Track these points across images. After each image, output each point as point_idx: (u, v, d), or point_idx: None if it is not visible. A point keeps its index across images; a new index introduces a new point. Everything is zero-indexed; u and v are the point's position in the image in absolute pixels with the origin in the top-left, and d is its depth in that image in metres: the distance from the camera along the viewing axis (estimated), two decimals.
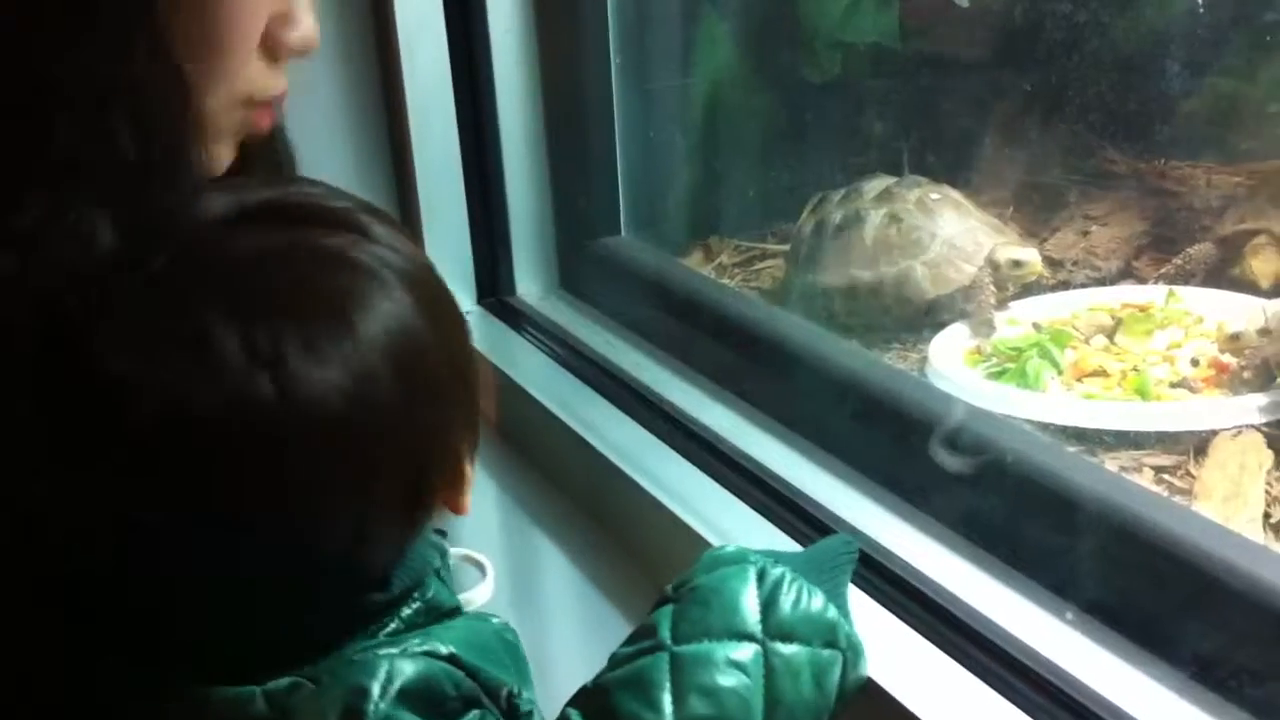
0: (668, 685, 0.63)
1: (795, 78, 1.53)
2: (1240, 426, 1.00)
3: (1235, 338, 1.10)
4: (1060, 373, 1.14)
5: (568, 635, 1.00)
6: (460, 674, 0.57)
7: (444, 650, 0.57)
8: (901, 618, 0.81)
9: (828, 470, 1.01)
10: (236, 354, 0.53)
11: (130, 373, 0.53)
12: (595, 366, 1.26)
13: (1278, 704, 0.70)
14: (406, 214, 1.38)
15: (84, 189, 0.60)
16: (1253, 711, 0.70)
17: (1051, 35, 1.28)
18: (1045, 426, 1.05)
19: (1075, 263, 1.32)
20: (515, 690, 0.59)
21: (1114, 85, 1.27)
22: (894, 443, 0.99)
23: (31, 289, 0.58)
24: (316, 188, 0.64)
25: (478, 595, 0.97)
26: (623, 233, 1.47)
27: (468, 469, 0.64)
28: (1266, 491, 0.93)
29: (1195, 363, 1.11)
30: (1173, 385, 1.09)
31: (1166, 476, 0.99)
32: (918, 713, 0.72)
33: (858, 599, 0.80)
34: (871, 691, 0.71)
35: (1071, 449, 1.02)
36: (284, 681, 0.56)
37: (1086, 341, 1.19)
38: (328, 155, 1.34)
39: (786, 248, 1.48)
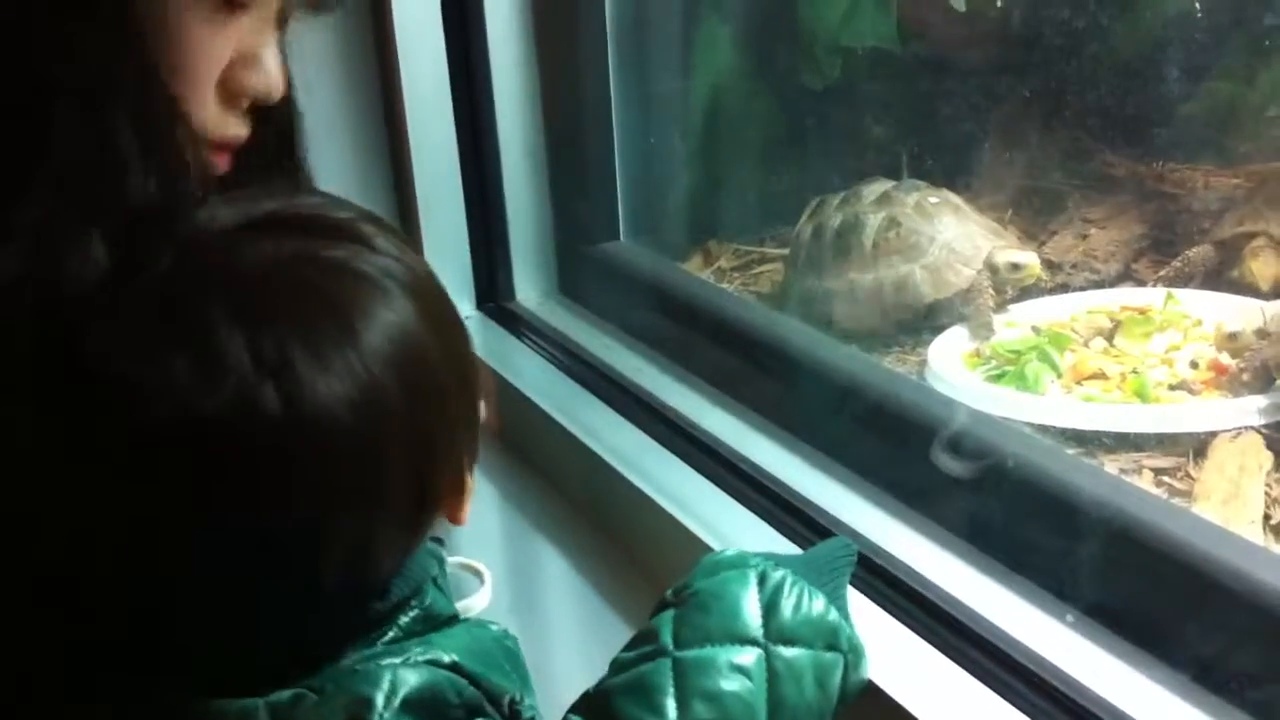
0: (671, 690, 0.63)
1: (794, 82, 1.53)
2: (1239, 428, 1.00)
3: (1233, 338, 1.10)
4: (1059, 375, 1.14)
5: (568, 638, 1.00)
6: (463, 682, 0.57)
7: (446, 659, 0.57)
8: (902, 620, 0.81)
9: (827, 474, 1.01)
10: (241, 360, 0.53)
11: (133, 375, 0.53)
12: (595, 371, 1.26)
13: (1279, 706, 0.70)
14: (405, 220, 1.38)
15: (84, 190, 0.61)
16: (1254, 714, 0.70)
17: (1050, 39, 1.28)
18: (1044, 429, 1.05)
19: (1074, 266, 1.32)
20: (518, 697, 0.59)
21: (1112, 88, 1.27)
22: (893, 446, 1.00)
23: (32, 290, 0.58)
24: (320, 198, 0.64)
25: (476, 602, 0.97)
26: (622, 237, 1.47)
27: (469, 479, 0.64)
28: (1266, 493, 0.93)
29: (1194, 365, 1.11)
30: (1172, 387, 1.10)
31: (1166, 478, 0.99)
32: (919, 716, 0.72)
33: (857, 602, 0.80)
34: (872, 694, 0.72)
35: (1071, 451, 1.02)
36: (287, 694, 0.55)
37: (1085, 344, 1.19)
38: (327, 162, 1.33)
39: (785, 252, 1.48)
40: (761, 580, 0.67)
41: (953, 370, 1.18)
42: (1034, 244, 1.37)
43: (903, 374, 1.22)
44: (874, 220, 1.34)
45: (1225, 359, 1.10)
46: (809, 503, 0.96)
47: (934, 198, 1.35)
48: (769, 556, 0.71)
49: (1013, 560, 0.86)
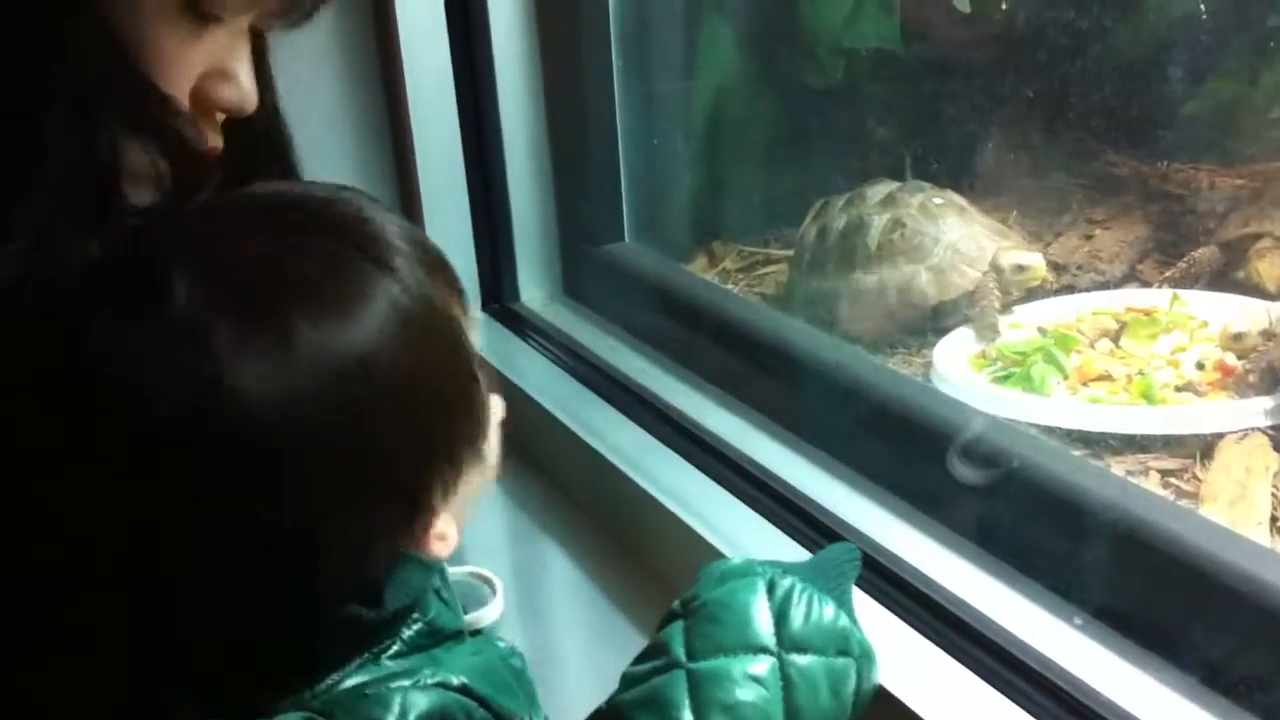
0: (687, 704, 0.62)
1: (798, 83, 1.53)
2: (1246, 429, 1.00)
3: (1239, 339, 1.10)
4: (1065, 377, 1.14)
5: (576, 642, 0.99)
6: (473, 704, 0.57)
7: (456, 681, 0.57)
8: (910, 623, 0.81)
9: (834, 475, 1.01)
10: (239, 359, 0.53)
11: (133, 376, 0.53)
12: (600, 372, 1.26)
13: None
14: (410, 221, 1.38)
15: (84, 191, 0.61)
16: (1262, 716, 0.70)
17: (1054, 40, 1.28)
18: (1050, 431, 1.05)
19: (1079, 267, 1.31)
20: (526, 719, 0.59)
21: (1116, 89, 1.27)
22: (899, 448, 0.99)
23: (32, 290, 0.58)
24: (323, 188, 0.64)
25: (488, 614, 0.96)
26: (626, 238, 1.47)
27: (440, 504, 0.60)
28: (1273, 494, 0.93)
29: (1200, 366, 1.11)
30: (1178, 389, 1.09)
31: (1172, 480, 0.99)
32: (927, 719, 0.72)
33: (866, 605, 0.80)
34: (882, 698, 0.71)
35: (1077, 453, 1.02)
36: (295, 717, 0.55)
37: (1091, 345, 1.19)
38: (329, 163, 1.34)
39: (790, 253, 1.48)
40: (770, 588, 0.67)
41: (958, 372, 1.18)
42: (1039, 245, 1.37)
43: (908, 376, 1.22)
44: (879, 222, 1.34)
45: (1231, 360, 1.10)
46: (814, 504, 0.96)
47: (938, 199, 1.35)
48: (774, 563, 0.71)
49: (1020, 562, 0.86)
